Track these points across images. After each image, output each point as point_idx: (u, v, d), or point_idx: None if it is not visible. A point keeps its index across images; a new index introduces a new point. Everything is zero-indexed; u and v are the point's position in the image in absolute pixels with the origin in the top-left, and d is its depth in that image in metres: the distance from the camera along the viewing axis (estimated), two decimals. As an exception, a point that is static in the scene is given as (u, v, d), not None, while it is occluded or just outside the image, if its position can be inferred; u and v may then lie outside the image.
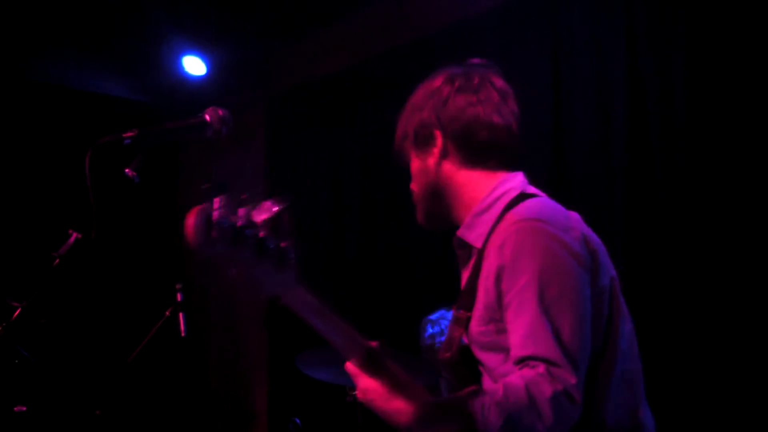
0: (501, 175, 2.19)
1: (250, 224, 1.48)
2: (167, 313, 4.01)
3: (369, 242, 5.24)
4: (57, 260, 2.28)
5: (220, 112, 2.17)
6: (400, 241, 4.93)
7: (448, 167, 2.22)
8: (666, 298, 3.65)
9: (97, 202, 2.12)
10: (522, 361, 1.87)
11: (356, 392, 1.87)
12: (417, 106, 2.27)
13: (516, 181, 2.19)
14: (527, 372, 1.83)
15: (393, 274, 5.05)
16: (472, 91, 2.20)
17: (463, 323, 2.10)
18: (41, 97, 5.79)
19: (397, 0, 5.18)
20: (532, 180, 2.22)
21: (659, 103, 3.78)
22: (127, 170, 2.07)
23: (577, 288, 1.93)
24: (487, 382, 2.05)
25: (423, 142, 2.24)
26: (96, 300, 5.74)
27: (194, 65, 5.70)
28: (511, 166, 2.22)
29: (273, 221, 1.52)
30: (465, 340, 2.10)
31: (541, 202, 2.11)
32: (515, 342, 1.91)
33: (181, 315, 3.99)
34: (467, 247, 2.19)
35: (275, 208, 1.52)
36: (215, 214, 1.43)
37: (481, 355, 2.07)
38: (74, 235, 2.25)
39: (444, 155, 2.21)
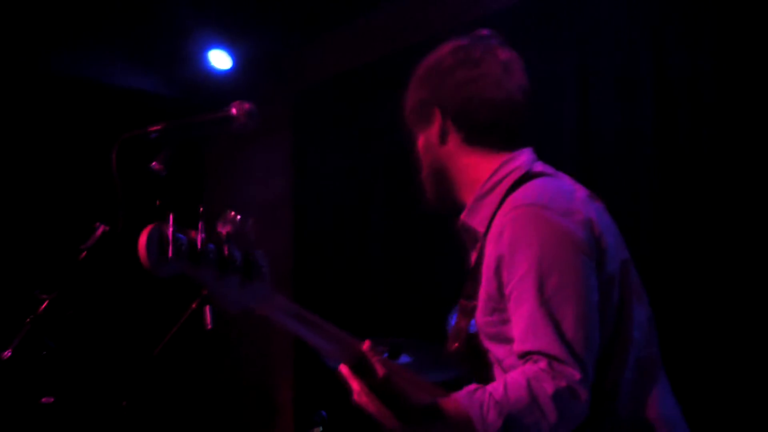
0: (505, 155, 2.08)
1: (213, 238, 1.41)
2: (193, 305, 4.02)
3: (395, 238, 5.22)
4: (84, 253, 2.29)
5: (246, 106, 2.15)
6: (426, 238, 4.89)
7: (450, 146, 2.12)
8: (694, 287, 3.63)
9: (123, 196, 2.13)
10: (524, 356, 1.80)
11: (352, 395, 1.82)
12: (419, 81, 2.19)
13: (520, 160, 2.07)
14: (530, 367, 1.76)
15: (418, 271, 5.01)
16: (473, 64, 2.10)
17: (469, 312, 2.03)
18: (68, 91, 5.81)
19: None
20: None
21: (687, 97, 3.75)
22: (153, 164, 2.08)
23: (579, 277, 1.83)
24: (497, 372, 1.99)
25: (425, 119, 2.16)
26: (122, 292, 5.77)
27: (220, 59, 5.70)
28: (516, 142, 2.11)
29: (237, 232, 1.47)
30: (472, 329, 2.03)
31: (543, 184, 2.00)
32: (517, 335, 1.84)
33: (207, 308, 3.99)
34: (472, 231, 2.09)
35: (239, 218, 1.47)
36: (169, 232, 1.36)
37: (490, 345, 1.99)
38: (101, 228, 2.25)
39: (444, 133, 2.12)
